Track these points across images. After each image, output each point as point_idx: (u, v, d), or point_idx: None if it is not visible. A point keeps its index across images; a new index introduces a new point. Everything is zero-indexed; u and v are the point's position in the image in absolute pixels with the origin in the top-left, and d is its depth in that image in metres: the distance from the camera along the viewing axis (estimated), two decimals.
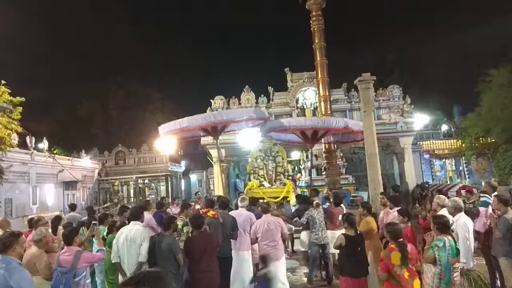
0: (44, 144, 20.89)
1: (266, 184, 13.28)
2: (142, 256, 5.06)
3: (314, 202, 7.76)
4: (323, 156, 14.15)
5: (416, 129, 20.99)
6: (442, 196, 6.07)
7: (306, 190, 13.54)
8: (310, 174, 12.61)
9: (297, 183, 16.18)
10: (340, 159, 15.32)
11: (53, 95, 35.69)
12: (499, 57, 19.90)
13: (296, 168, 20.01)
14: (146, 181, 26.52)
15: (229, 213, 6.40)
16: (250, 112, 12.24)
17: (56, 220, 7.39)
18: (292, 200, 11.64)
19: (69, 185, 22.25)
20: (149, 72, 47.20)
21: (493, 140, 21.33)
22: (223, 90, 24.28)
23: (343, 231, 5.48)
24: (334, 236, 6.66)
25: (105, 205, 21.87)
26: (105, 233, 6.49)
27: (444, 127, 29.38)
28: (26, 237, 6.02)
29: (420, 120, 21.76)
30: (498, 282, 5.82)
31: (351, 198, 12.03)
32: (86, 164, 24.79)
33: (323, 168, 14.36)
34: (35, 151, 18.84)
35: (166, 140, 13.48)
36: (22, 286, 3.52)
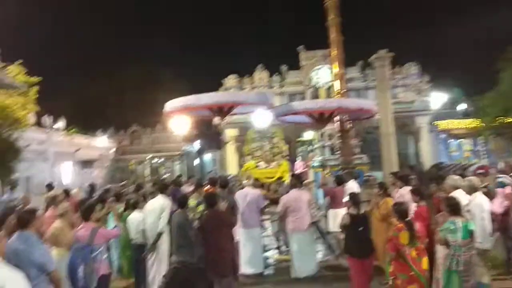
0: (61, 123, 21.25)
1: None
2: (160, 227, 5.51)
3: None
4: (337, 135, 14.01)
5: (433, 108, 20.56)
6: (455, 177, 5.96)
7: (320, 170, 13.52)
8: (323, 154, 12.56)
9: (309, 163, 16.15)
10: (354, 139, 15.17)
11: (69, 74, 36.03)
12: None
13: (309, 148, 19.94)
14: (161, 160, 26.85)
15: (237, 192, 6.62)
16: (254, 96, 12.25)
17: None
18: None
19: (86, 163, 22.70)
20: (163, 51, 47.05)
21: None
22: (236, 68, 24.08)
23: (345, 210, 5.49)
24: (337, 214, 6.71)
25: (121, 183, 22.31)
26: (120, 210, 6.63)
27: (462, 106, 28.66)
28: (45, 214, 6.25)
29: (437, 99, 21.27)
30: None
31: (365, 178, 11.96)
32: (102, 143, 25.19)
33: (336, 147, 14.25)
34: (52, 131, 19.20)
35: (180, 120, 13.52)
36: (42, 260, 3.64)
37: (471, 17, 35.94)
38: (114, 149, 26.65)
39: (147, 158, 26.61)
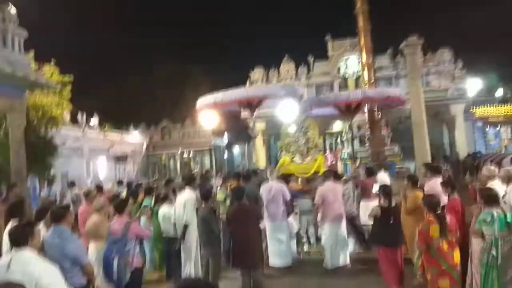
0: (95, 120, 21.98)
1: (297, 160, 13.24)
2: (185, 219, 5.66)
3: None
4: (366, 126, 13.73)
5: (468, 95, 19.71)
6: (492, 167, 5.70)
7: (350, 162, 13.31)
8: (352, 146, 12.37)
9: (339, 155, 15.92)
10: (384, 129, 14.81)
11: (101, 72, 37.14)
12: None
13: (339, 140, 19.65)
14: (191, 154, 27.30)
15: (262, 186, 6.81)
16: (284, 89, 12.17)
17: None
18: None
19: (120, 159, 23.42)
20: (189, 47, 47.57)
21: None
22: (263, 60, 24.00)
23: (376, 202, 5.41)
24: (368, 206, 6.62)
25: (154, 178, 22.90)
26: (151, 204, 6.79)
27: (500, 92, 27.30)
28: (82, 209, 6.51)
29: (472, 85, 20.33)
30: None
31: (397, 169, 11.67)
32: (134, 138, 25.90)
33: (366, 138, 13.97)
34: (86, 128, 19.91)
35: (209, 114, 13.68)
36: (76, 253, 3.78)
37: None
38: (145, 144, 27.34)
39: (177, 153, 27.10)
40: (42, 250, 3.56)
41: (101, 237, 4.83)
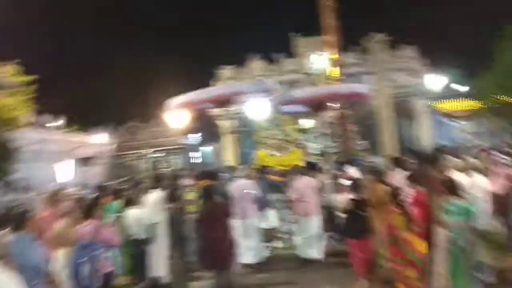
0: (61, 122, 21.19)
1: (275, 153, 13.33)
2: (153, 220, 5.71)
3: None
4: (336, 122, 13.94)
5: (431, 91, 20.42)
6: (455, 160, 5.92)
7: (321, 158, 13.49)
8: (322, 142, 12.54)
9: (310, 151, 16.10)
10: (353, 125, 15.10)
11: (66, 73, 35.90)
12: None
13: (308, 137, 19.84)
14: (160, 154, 26.83)
15: (232, 184, 6.86)
16: (255, 85, 12.15)
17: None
18: None
19: (86, 161, 22.67)
20: (157, 45, 46.74)
21: None
22: (230, 59, 23.91)
23: (348, 196, 5.56)
24: (340, 200, 6.73)
25: (120, 180, 22.30)
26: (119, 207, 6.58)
27: (461, 88, 28.48)
28: (44, 214, 6.20)
29: (436, 81, 21.07)
30: None
31: (365, 164, 11.89)
32: (100, 140, 25.15)
33: (336, 134, 14.19)
34: (50, 129, 19.15)
35: (177, 113, 13.50)
36: (37, 261, 3.62)
37: None
38: (113, 146, 26.61)
39: (146, 153, 26.58)
40: (6, 257, 3.38)
41: (68, 243, 4.65)
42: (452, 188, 4.42)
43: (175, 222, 5.07)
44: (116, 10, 47.55)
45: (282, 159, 12.86)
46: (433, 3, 43.55)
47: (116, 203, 6.69)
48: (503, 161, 6.54)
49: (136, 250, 6.29)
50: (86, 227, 4.60)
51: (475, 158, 6.26)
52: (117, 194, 7.15)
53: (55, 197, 6.52)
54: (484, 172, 5.53)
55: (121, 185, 14.29)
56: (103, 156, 25.27)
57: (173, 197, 5.43)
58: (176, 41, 48.86)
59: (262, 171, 8.28)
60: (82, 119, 29.84)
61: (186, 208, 5.78)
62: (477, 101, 24.09)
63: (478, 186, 4.95)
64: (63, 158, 20.36)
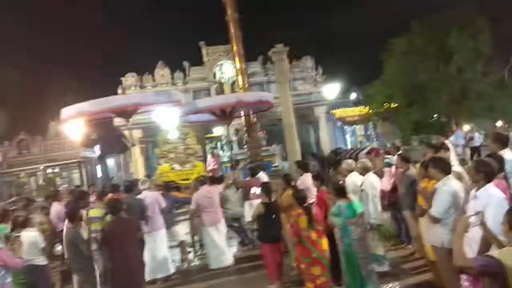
0: None
1: (176, 167, 13.15)
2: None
3: None
4: (243, 129, 14.25)
5: (328, 99, 22.12)
6: (349, 161, 6.48)
7: (230, 165, 13.65)
8: (231, 149, 12.72)
9: (219, 159, 16.21)
10: (260, 131, 15.61)
11: None
12: (402, 28, 21.55)
13: (219, 144, 19.98)
14: (56, 170, 24.46)
15: (136, 197, 6.60)
16: (160, 95, 11.73)
17: None
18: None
19: None
20: (50, 49, 42.73)
21: (396, 105, 23.32)
22: (135, 66, 22.94)
23: (259, 200, 5.68)
24: (252, 207, 6.90)
25: (10, 200, 19.79)
26: (7, 231, 5.85)
27: (353, 95, 31.37)
28: None
29: (331, 89, 22.87)
30: (403, 233, 6.47)
31: (273, 168, 12.37)
32: None
33: (244, 141, 14.52)
34: None
35: (75, 124, 12.44)
36: None
37: (360, 10, 39.33)
38: None
39: (39, 169, 24.01)
40: None
41: None
42: (337, 190, 4.76)
43: (74, 244, 4.64)
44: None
45: (184, 173, 12.76)
46: (328, 17, 47.55)
47: (3, 226, 5.95)
48: (389, 160, 7.40)
49: (31, 277, 5.64)
50: None
51: (366, 158, 6.91)
52: (5, 216, 6.35)
53: None
54: (374, 171, 6.13)
55: (10, 206, 12.68)
56: None
57: (71, 216, 4.97)
58: (80, 45, 45.27)
59: (165, 187, 8.19)
60: None
61: (89, 226, 5.33)
62: (367, 107, 26.82)
63: (369, 184, 5.45)
64: None
